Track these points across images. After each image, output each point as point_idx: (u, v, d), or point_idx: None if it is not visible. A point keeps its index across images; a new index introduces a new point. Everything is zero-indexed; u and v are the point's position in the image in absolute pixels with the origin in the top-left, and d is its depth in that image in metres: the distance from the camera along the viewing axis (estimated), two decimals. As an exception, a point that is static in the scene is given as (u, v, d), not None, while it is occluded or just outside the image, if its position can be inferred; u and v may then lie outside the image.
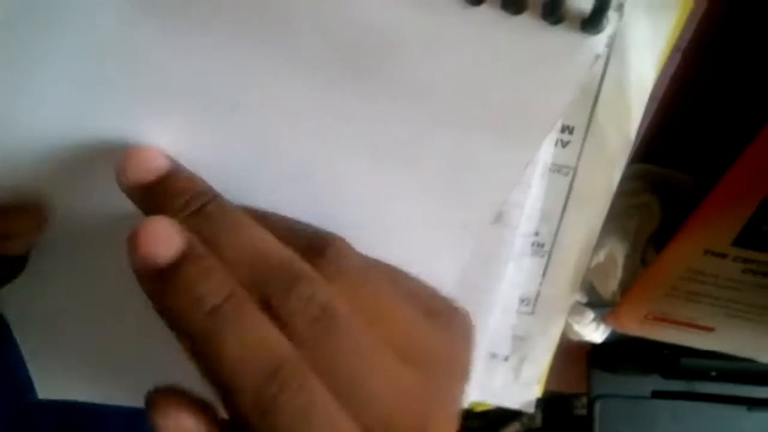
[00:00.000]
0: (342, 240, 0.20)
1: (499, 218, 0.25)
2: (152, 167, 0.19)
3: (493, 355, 0.34)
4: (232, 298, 0.18)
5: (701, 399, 0.40)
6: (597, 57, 0.15)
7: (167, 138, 0.19)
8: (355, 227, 0.21)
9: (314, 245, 0.20)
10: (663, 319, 0.33)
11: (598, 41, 0.15)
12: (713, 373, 0.39)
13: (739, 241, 0.28)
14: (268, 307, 0.18)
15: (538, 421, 0.66)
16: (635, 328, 0.34)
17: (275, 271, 0.19)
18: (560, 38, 0.16)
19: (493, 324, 0.32)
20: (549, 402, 0.50)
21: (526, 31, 0.16)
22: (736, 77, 0.26)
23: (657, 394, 0.41)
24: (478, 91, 0.18)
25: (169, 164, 0.20)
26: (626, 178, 0.30)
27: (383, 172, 0.20)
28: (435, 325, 0.21)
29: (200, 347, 0.17)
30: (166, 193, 0.19)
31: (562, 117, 0.21)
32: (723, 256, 0.29)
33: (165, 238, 0.18)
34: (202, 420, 0.19)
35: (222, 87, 0.18)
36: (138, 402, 0.19)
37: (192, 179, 0.20)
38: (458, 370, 0.21)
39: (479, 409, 0.39)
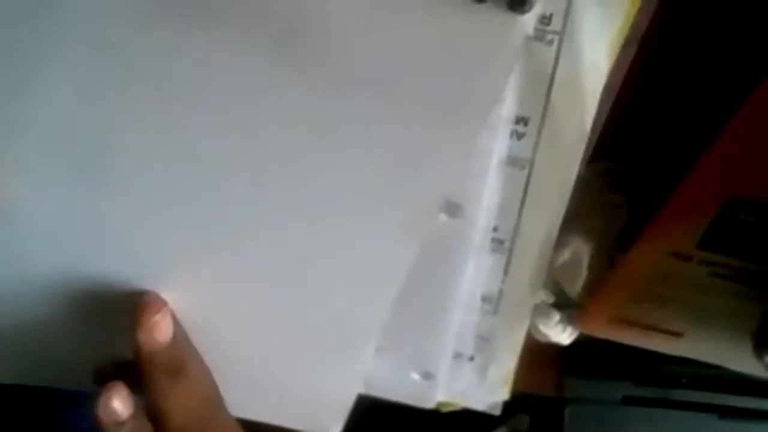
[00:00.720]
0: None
1: (456, 213, 0.24)
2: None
3: (458, 355, 0.33)
4: None
5: (673, 406, 0.39)
6: (527, 38, 0.15)
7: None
8: (288, 219, 0.20)
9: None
10: (630, 323, 0.32)
11: (527, 21, 0.14)
12: (684, 380, 0.38)
13: (704, 244, 0.27)
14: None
15: (525, 425, 0.65)
16: (602, 331, 0.33)
17: None
18: (487, 17, 0.15)
19: (457, 323, 0.31)
20: (536, 405, 0.49)
21: (453, 10, 0.15)
22: (699, 70, 0.25)
23: (628, 400, 0.40)
24: (408, 74, 0.17)
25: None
26: (593, 176, 0.29)
27: (318, 160, 0.19)
28: None
29: None
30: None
31: (516, 107, 0.21)
32: (688, 258, 0.28)
33: None
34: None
35: (153, 71, 0.17)
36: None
37: None
38: None
39: (446, 409, 0.38)
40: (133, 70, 0.17)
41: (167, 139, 0.18)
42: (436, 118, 0.18)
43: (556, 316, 0.32)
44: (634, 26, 0.19)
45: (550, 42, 0.19)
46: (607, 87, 0.20)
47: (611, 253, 0.31)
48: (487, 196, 0.24)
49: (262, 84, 0.18)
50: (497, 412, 0.37)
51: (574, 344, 0.37)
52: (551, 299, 0.32)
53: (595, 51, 0.19)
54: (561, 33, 0.18)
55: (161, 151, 0.18)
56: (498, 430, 0.65)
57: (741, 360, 0.32)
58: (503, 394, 0.36)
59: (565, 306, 0.32)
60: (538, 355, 0.40)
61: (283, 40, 0.17)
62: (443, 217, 0.24)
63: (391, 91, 0.17)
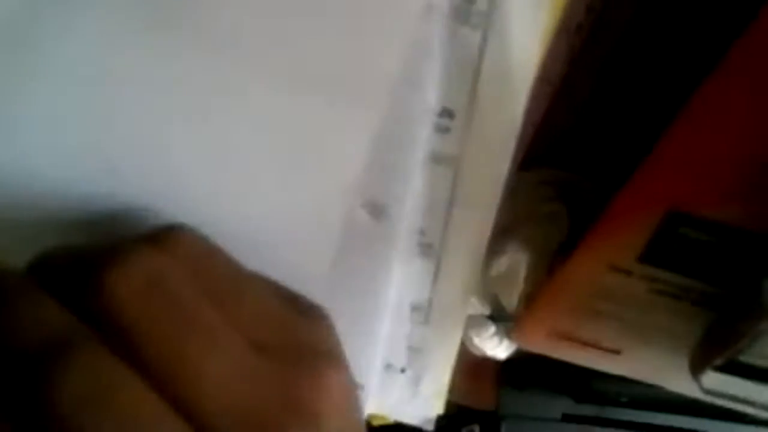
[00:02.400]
0: (186, 227, 0.16)
1: (378, 214, 0.22)
2: None
3: (389, 366, 0.30)
4: (11, 278, 0.14)
5: (611, 425, 0.37)
6: (429, 7, 0.12)
7: None
8: (184, 212, 0.18)
9: (151, 234, 0.16)
10: (568, 338, 0.30)
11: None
12: (624, 399, 0.36)
13: (644, 258, 0.25)
14: (81, 284, 0.14)
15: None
16: (539, 345, 0.30)
17: (97, 247, 0.15)
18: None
19: (386, 332, 0.28)
20: (487, 418, 0.47)
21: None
22: (644, 74, 0.23)
23: (567, 418, 0.38)
24: (300, 43, 0.14)
25: None
26: (533, 183, 0.27)
27: (211, 142, 0.16)
28: (297, 316, 0.17)
29: None
30: None
31: (440, 99, 0.18)
32: (628, 273, 0.25)
33: None
34: None
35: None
36: None
37: None
38: (328, 363, 0.16)
39: (377, 422, 0.36)
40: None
41: None
42: (332, 93, 0.15)
43: (492, 328, 0.30)
44: (569, 13, 0.16)
45: (476, 26, 0.16)
46: (542, 79, 0.18)
47: (551, 264, 0.29)
48: (412, 196, 0.21)
49: (155, 59, 0.15)
50: (430, 427, 0.34)
51: (513, 358, 0.35)
52: (487, 311, 0.29)
53: (526, 37, 0.17)
54: (487, 14, 0.16)
55: None
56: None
57: (679, 381, 0.30)
58: (437, 407, 0.34)
59: (502, 318, 0.30)
60: (479, 367, 0.38)
61: (168, 16, 0.14)
62: (365, 217, 0.22)
63: (282, 64, 0.15)
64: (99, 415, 0.13)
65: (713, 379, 0.25)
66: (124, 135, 0.16)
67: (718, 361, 0.24)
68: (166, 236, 0.16)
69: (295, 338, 0.16)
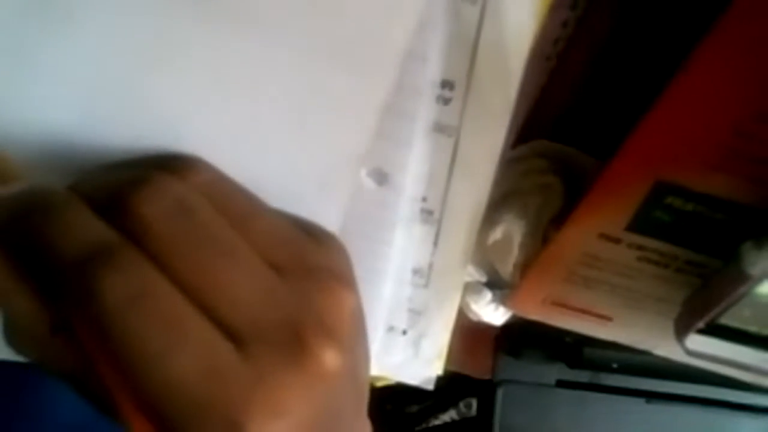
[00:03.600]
0: (202, 160, 0.17)
1: (382, 180, 0.23)
2: None
3: (391, 328, 0.32)
4: (58, 195, 0.15)
5: (603, 390, 0.38)
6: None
7: None
8: None
9: (169, 162, 0.17)
10: (561, 305, 0.31)
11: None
12: (615, 365, 0.37)
13: (633, 227, 0.26)
14: (111, 206, 0.15)
15: (474, 410, 0.64)
16: (534, 312, 0.32)
17: (124, 174, 0.16)
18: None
19: (388, 295, 0.29)
20: (485, 390, 0.48)
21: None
22: (636, 45, 0.24)
23: (561, 383, 0.39)
24: (311, 8, 0.15)
25: None
26: (529, 156, 0.28)
27: (220, 104, 0.17)
28: (312, 241, 0.18)
29: (30, 244, 0.15)
30: None
31: (441, 71, 0.19)
32: (617, 241, 0.26)
33: None
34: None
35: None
36: None
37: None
38: (340, 283, 0.17)
39: (380, 384, 0.37)
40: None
41: None
42: (340, 61, 0.16)
43: (488, 295, 0.31)
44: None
45: (474, 1, 0.17)
46: (538, 54, 0.19)
47: (545, 234, 0.30)
48: (415, 165, 0.22)
49: (154, 23, 0.16)
50: (430, 386, 0.35)
51: (509, 325, 0.36)
52: (484, 278, 0.31)
53: (522, 12, 0.17)
54: (485, -9, 0.17)
55: None
56: (447, 414, 0.64)
57: (665, 345, 0.31)
58: (437, 368, 0.35)
59: (498, 286, 0.31)
60: (476, 336, 0.39)
61: None
62: (370, 184, 0.23)
63: (295, 29, 0.16)
64: (143, 316, 0.14)
65: (696, 342, 0.26)
66: (137, 95, 0.17)
67: (701, 324, 0.25)
68: (183, 165, 0.17)
69: (309, 260, 0.17)
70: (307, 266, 0.17)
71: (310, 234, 0.18)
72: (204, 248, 0.15)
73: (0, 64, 0.15)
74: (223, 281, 0.15)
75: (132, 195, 0.15)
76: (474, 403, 0.64)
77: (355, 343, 0.18)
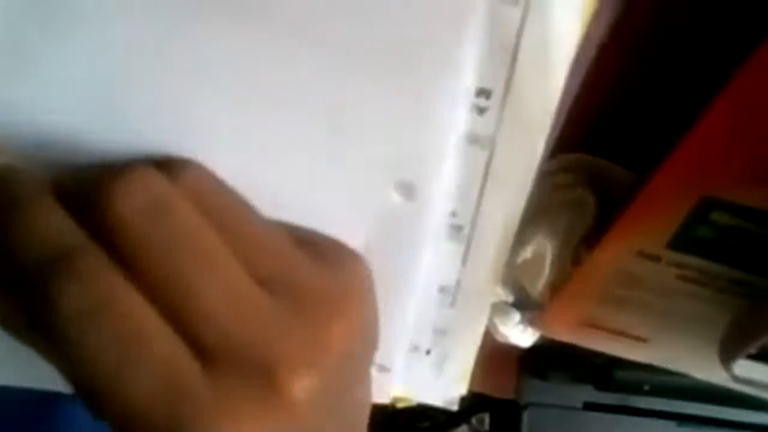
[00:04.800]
0: (197, 162, 0.16)
1: (410, 194, 0.21)
2: None
3: (415, 348, 0.30)
4: (29, 186, 0.14)
5: (633, 413, 0.37)
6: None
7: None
8: (227, 174, 0.17)
9: (159, 161, 0.15)
10: (594, 326, 0.29)
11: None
12: (647, 387, 0.35)
13: (674, 244, 0.24)
14: (85, 199, 0.14)
15: (487, 425, 0.62)
16: (564, 333, 0.30)
17: (106, 169, 0.15)
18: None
19: (413, 314, 0.28)
20: (497, 406, 0.46)
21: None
22: (678, 57, 0.22)
23: (589, 406, 0.37)
24: (353, 20, 0.14)
25: None
26: (559, 170, 0.27)
27: (254, 116, 0.16)
28: (316, 261, 0.16)
29: None
30: None
31: (477, 78, 0.18)
32: (657, 259, 0.25)
33: None
34: None
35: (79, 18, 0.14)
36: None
37: None
38: (331, 309, 0.16)
39: (402, 405, 0.35)
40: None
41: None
42: (379, 73, 0.15)
43: (517, 316, 0.29)
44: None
45: (516, 2, 0.16)
46: (576, 61, 0.18)
47: (577, 252, 0.28)
48: (445, 178, 0.21)
49: (192, 36, 0.15)
50: (454, 407, 0.34)
51: (535, 346, 0.35)
52: (511, 298, 0.29)
53: (567, 15, 0.16)
54: (527, -5, 0.16)
55: None
56: (459, 429, 0.62)
57: (707, 369, 0.29)
58: (461, 388, 0.33)
59: (526, 306, 0.29)
60: (498, 355, 0.37)
61: None
62: (397, 198, 0.22)
63: (339, 41, 0.14)
64: (96, 327, 0.13)
65: (745, 367, 0.24)
66: (164, 104, 0.16)
67: (752, 349, 0.23)
68: (174, 165, 0.15)
69: (300, 277, 0.16)
70: (296, 284, 0.15)
71: (315, 251, 0.16)
72: (179, 252, 0.14)
73: (2, 67, 0.14)
74: (197, 290, 0.14)
75: (107, 187, 0.14)
76: (486, 418, 0.62)
77: (344, 371, 0.16)
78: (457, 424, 0.61)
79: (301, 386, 0.14)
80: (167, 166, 0.15)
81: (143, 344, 0.13)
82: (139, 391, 0.13)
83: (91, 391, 0.13)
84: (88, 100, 0.15)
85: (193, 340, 0.14)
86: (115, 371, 0.13)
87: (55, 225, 0.14)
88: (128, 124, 0.16)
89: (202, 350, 0.14)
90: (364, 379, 0.21)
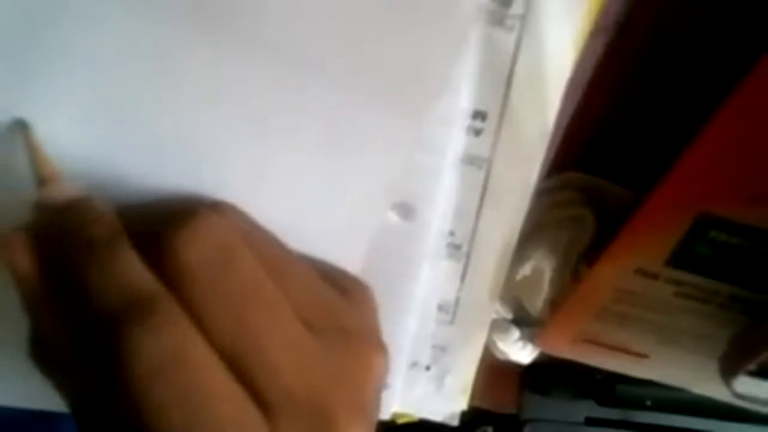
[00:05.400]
0: (234, 204, 0.16)
1: (408, 215, 0.21)
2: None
3: (414, 364, 0.30)
4: (107, 229, 0.14)
5: (636, 428, 0.36)
6: (479, 8, 0.12)
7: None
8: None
9: (209, 204, 0.15)
10: (594, 342, 0.29)
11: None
12: (648, 402, 0.35)
13: (672, 261, 0.24)
14: (150, 245, 0.14)
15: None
16: (564, 350, 0.30)
17: (167, 211, 0.14)
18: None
19: (412, 331, 0.28)
20: (501, 420, 0.46)
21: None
22: (674, 75, 0.22)
23: (591, 421, 0.37)
24: (353, 46, 0.14)
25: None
26: (558, 188, 0.27)
27: (256, 141, 0.16)
28: (344, 298, 0.17)
29: (70, 275, 0.14)
30: None
31: (473, 101, 0.18)
32: (655, 276, 0.25)
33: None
34: None
35: (66, 42, 0.14)
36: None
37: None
38: (370, 346, 0.16)
39: (402, 420, 0.35)
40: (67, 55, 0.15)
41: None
42: (382, 95, 0.15)
43: (516, 333, 0.29)
44: (604, 12, 0.16)
45: (511, 28, 0.16)
46: (572, 81, 0.18)
47: (576, 269, 0.28)
48: (443, 198, 0.21)
49: (194, 62, 0.15)
50: (455, 422, 0.34)
51: (536, 362, 0.34)
52: (510, 315, 0.29)
53: (561, 39, 0.16)
54: (522, 17, 0.16)
55: None
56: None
57: (707, 384, 0.29)
58: (461, 404, 0.33)
59: (526, 323, 0.29)
60: (499, 371, 0.37)
61: (217, 17, 0.14)
62: (395, 218, 0.22)
63: (335, 65, 0.14)
64: (167, 383, 0.13)
65: (746, 384, 0.24)
66: (166, 131, 0.16)
67: (752, 366, 0.23)
68: (222, 207, 0.15)
69: (341, 319, 0.16)
70: (339, 325, 0.15)
71: (339, 286, 0.17)
72: (245, 301, 0.14)
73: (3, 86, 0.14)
74: (263, 343, 0.14)
75: (176, 235, 0.14)
76: (490, 430, 0.61)
77: (376, 407, 0.16)
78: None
79: (357, 429, 0.14)
80: (217, 208, 0.15)
81: (212, 402, 0.13)
82: None
83: None
84: (96, 129, 0.16)
85: (256, 390, 0.14)
86: (185, 428, 0.13)
87: (132, 271, 0.14)
88: (134, 154, 0.16)
89: (265, 402, 0.14)
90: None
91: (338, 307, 0.16)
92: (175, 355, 0.13)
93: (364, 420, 0.15)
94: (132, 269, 0.14)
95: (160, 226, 0.14)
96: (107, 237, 0.14)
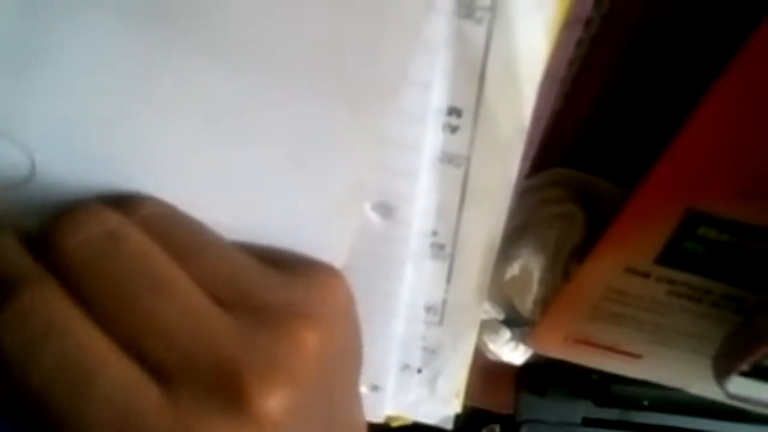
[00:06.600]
0: (152, 196, 0.16)
1: (388, 214, 0.21)
2: None
3: (405, 367, 0.29)
4: None
5: (634, 428, 0.35)
6: (432, 4, 0.11)
7: None
8: (197, 209, 0.17)
9: (113, 198, 0.15)
10: (586, 342, 0.28)
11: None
12: (645, 402, 0.34)
13: (662, 259, 0.23)
14: (39, 240, 0.14)
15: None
16: (556, 350, 0.29)
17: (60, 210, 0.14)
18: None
19: (401, 334, 0.27)
20: (497, 421, 0.45)
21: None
22: (662, 68, 0.21)
23: (588, 422, 0.36)
24: (316, 50, 0.14)
25: None
26: (547, 185, 0.26)
27: (216, 145, 0.15)
28: (273, 275, 0.16)
29: None
30: None
31: (447, 97, 0.17)
32: (646, 275, 0.24)
33: None
34: None
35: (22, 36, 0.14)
36: None
37: None
38: (301, 321, 0.15)
39: (396, 423, 0.34)
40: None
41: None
42: (336, 95, 0.14)
43: (507, 333, 0.28)
44: (577, 8, 0.15)
45: (480, 20, 0.15)
46: (551, 77, 0.17)
47: (566, 267, 0.27)
48: (423, 197, 0.20)
49: (155, 66, 0.14)
50: (449, 426, 0.33)
51: (532, 362, 0.34)
52: (501, 316, 0.28)
53: (532, 31, 0.15)
54: (491, 9, 0.15)
55: None
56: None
57: (702, 385, 0.28)
58: (455, 407, 0.32)
59: (517, 323, 0.28)
60: (496, 371, 0.36)
61: (170, 15, 0.14)
62: (375, 218, 0.21)
63: (288, 62, 0.14)
64: (44, 356, 0.13)
65: (739, 385, 0.23)
66: (122, 135, 0.15)
67: (744, 366, 0.22)
68: (129, 199, 0.15)
69: (263, 295, 0.15)
70: (258, 301, 0.15)
71: (282, 267, 0.16)
72: (133, 279, 0.14)
73: None
74: (153, 314, 0.13)
75: (55, 227, 0.14)
76: (497, 429, 0.61)
77: (322, 385, 0.15)
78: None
79: (274, 398, 0.14)
80: (123, 201, 0.15)
81: (95, 372, 0.13)
82: (92, 421, 0.13)
83: (42, 424, 0.13)
84: (53, 138, 0.15)
85: (152, 364, 0.13)
86: (66, 402, 0.13)
87: (9, 258, 0.14)
88: (93, 160, 0.15)
89: (161, 374, 0.13)
90: (351, 395, 0.20)
91: (262, 284, 0.15)
92: (51, 327, 0.13)
93: (288, 389, 0.14)
94: (10, 257, 0.14)
95: (49, 221, 0.14)
96: None
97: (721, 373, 0.23)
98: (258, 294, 0.15)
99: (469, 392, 0.31)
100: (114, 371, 0.13)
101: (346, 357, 0.18)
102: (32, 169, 0.16)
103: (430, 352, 0.28)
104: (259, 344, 0.14)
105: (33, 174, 0.16)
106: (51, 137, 0.15)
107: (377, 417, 0.32)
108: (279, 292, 0.15)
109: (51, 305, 0.13)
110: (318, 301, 0.16)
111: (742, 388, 0.23)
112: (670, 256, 0.22)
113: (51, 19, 0.14)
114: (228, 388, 0.13)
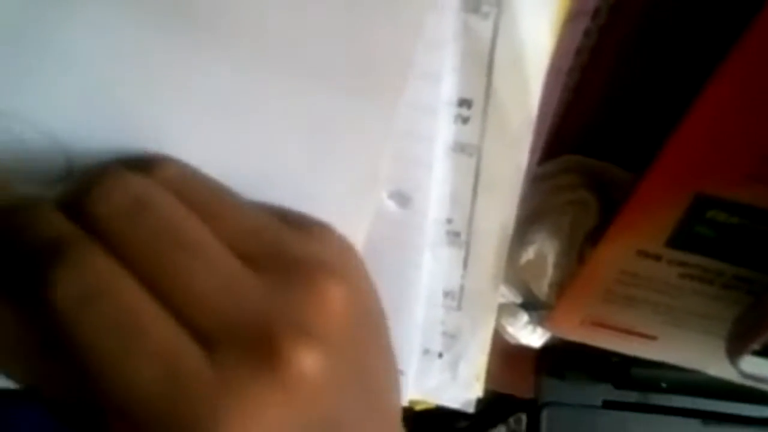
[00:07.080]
0: (172, 157, 0.16)
1: (404, 203, 0.22)
2: None
3: (426, 351, 0.30)
4: (29, 198, 0.14)
5: (654, 411, 0.36)
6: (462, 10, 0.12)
7: None
8: None
9: (134, 161, 0.15)
10: (602, 325, 0.29)
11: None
12: (664, 385, 0.34)
13: (673, 242, 0.23)
14: (70, 205, 0.14)
15: (524, 426, 0.62)
16: (573, 333, 0.29)
17: (86, 176, 0.15)
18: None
19: (421, 319, 0.28)
20: (533, 407, 0.46)
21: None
22: (671, 54, 0.22)
23: (608, 404, 0.36)
24: (312, 34, 0.14)
25: None
26: (560, 172, 0.26)
27: (233, 136, 0.16)
28: (293, 229, 0.16)
29: None
30: None
31: (458, 89, 0.18)
32: (657, 258, 0.24)
33: None
34: None
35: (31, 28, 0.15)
36: None
37: None
38: (325, 275, 0.15)
39: (419, 407, 0.35)
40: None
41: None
42: (346, 88, 0.15)
43: (525, 317, 0.29)
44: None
45: (486, 14, 0.16)
46: (557, 69, 0.17)
47: (581, 251, 0.28)
48: (437, 186, 0.21)
49: (164, 60, 0.15)
50: (471, 409, 0.34)
51: (551, 346, 0.34)
52: (519, 299, 0.29)
53: (538, 23, 0.16)
54: (498, 3, 0.16)
55: None
56: (496, 430, 0.62)
57: (718, 365, 0.28)
58: (476, 390, 0.33)
59: (534, 306, 0.29)
60: (516, 355, 0.37)
61: (179, 11, 0.15)
62: (392, 206, 0.22)
63: (297, 55, 0.15)
64: (97, 315, 0.13)
65: (752, 364, 0.23)
66: (143, 132, 0.16)
67: (756, 346, 0.22)
68: (149, 161, 0.15)
69: (288, 250, 0.15)
70: (285, 257, 0.15)
71: (289, 222, 0.16)
72: (164, 241, 0.14)
73: None
74: (187, 277, 0.14)
75: (86, 195, 0.14)
76: (524, 418, 0.61)
77: (353, 339, 0.15)
78: (494, 425, 0.61)
79: (309, 356, 0.14)
80: (143, 163, 0.15)
81: (143, 331, 0.13)
82: (141, 378, 0.13)
83: (95, 379, 0.13)
84: (74, 106, 0.16)
85: (191, 325, 0.14)
86: (116, 359, 0.13)
87: (49, 221, 0.14)
88: (117, 128, 0.16)
89: (201, 334, 0.14)
90: (381, 351, 0.20)
91: (286, 238, 0.15)
92: (99, 287, 0.13)
93: (320, 344, 0.14)
94: (47, 219, 0.14)
95: (78, 188, 0.14)
96: (28, 201, 0.14)
97: (734, 353, 0.23)
98: (282, 247, 0.15)
99: (490, 376, 0.32)
100: (162, 331, 0.13)
101: (370, 309, 0.18)
102: (69, 167, 0.17)
103: (450, 336, 0.29)
104: (289, 300, 0.14)
105: (69, 173, 0.17)
106: (81, 132, 0.16)
107: (401, 401, 0.33)
108: (299, 245, 0.15)
109: (98, 265, 0.13)
110: (337, 256, 0.16)
111: (755, 367, 0.23)
112: (681, 239, 0.23)
113: (68, 14, 0.14)
114: (264, 350, 0.14)
